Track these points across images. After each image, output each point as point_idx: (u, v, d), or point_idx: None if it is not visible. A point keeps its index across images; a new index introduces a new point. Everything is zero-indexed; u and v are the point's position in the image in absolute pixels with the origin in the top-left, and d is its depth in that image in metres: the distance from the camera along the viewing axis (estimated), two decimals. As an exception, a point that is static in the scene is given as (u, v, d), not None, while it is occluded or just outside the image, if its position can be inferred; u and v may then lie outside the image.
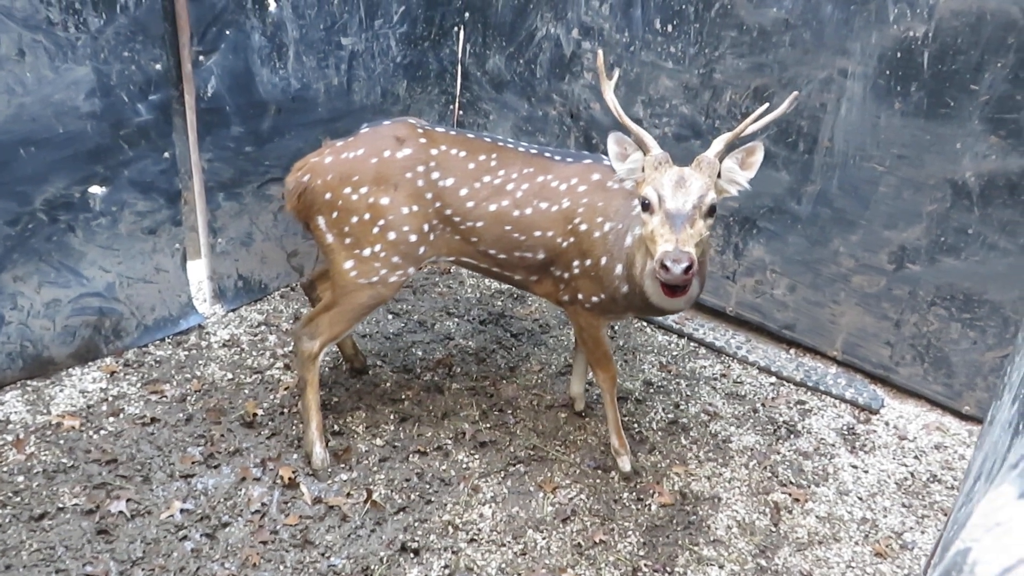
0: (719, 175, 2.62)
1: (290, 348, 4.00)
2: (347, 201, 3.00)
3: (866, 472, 3.61)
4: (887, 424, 3.91)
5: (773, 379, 4.18)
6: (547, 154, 3.17)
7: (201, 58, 3.64)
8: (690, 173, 2.56)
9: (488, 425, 3.65)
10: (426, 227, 3.09)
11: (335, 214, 3.03)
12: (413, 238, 3.07)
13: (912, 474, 3.61)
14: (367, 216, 3.01)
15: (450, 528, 3.12)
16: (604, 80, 2.90)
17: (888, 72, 3.58)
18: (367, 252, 3.04)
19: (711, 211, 2.54)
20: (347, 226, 3.02)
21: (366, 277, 3.08)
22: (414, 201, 3.04)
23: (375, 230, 3.02)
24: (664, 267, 2.40)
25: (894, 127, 3.65)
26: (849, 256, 3.98)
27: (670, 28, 4.13)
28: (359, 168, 3.02)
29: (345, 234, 3.04)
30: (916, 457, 3.71)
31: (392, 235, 3.03)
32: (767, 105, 2.81)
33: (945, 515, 3.38)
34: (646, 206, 2.57)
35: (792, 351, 4.37)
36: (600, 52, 3.02)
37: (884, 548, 3.21)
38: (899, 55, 3.53)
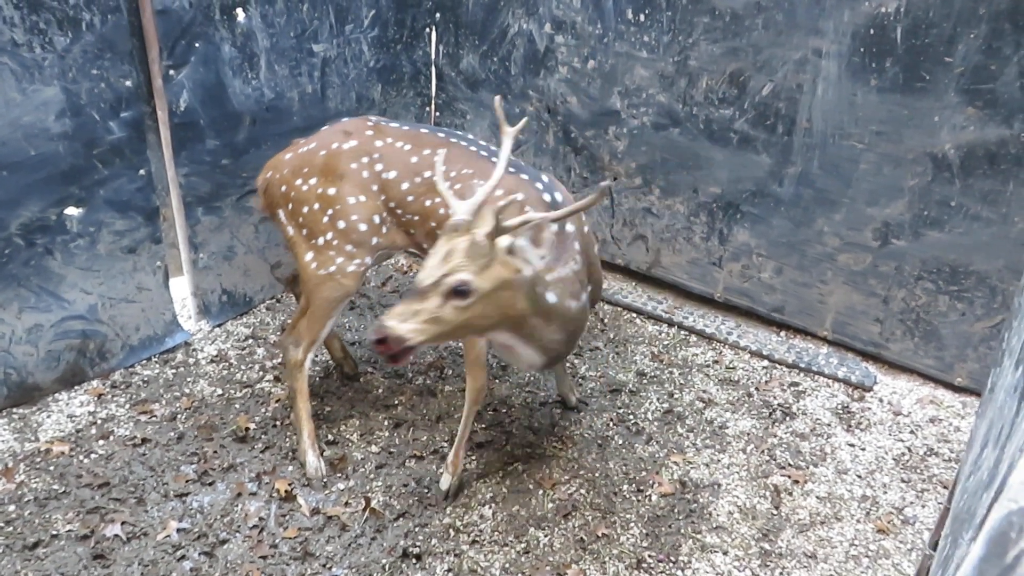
0: (512, 252, 2.45)
1: (279, 360, 3.96)
2: (299, 192, 3.14)
3: (863, 450, 3.61)
4: (881, 400, 3.92)
5: (765, 363, 4.18)
6: (483, 153, 3.07)
7: (171, 72, 3.59)
8: (457, 249, 2.38)
9: (483, 425, 3.62)
10: (377, 218, 3.14)
11: (290, 205, 3.17)
12: (363, 227, 3.13)
13: (909, 449, 3.62)
14: (316, 206, 3.11)
15: (451, 531, 3.10)
16: (504, 126, 2.71)
17: (862, 49, 3.59)
18: (321, 241, 3.13)
19: (459, 293, 2.36)
20: (301, 216, 3.14)
21: (324, 267, 3.15)
22: (360, 191, 3.11)
23: (325, 219, 3.11)
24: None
25: (871, 104, 3.65)
26: (834, 235, 3.98)
27: (642, 17, 4.12)
28: (309, 160, 3.16)
29: (300, 224, 3.16)
30: (912, 432, 3.72)
31: (342, 223, 3.11)
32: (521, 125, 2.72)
33: (945, 488, 3.38)
34: None
35: (783, 333, 4.37)
36: (498, 99, 2.81)
37: (886, 524, 3.21)
38: (872, 32, 3.54)
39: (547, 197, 2.91)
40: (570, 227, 2.86)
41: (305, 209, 3.12)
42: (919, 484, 3.43)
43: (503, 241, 2.44)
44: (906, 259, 3.83)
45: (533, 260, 2.50)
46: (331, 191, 3.10)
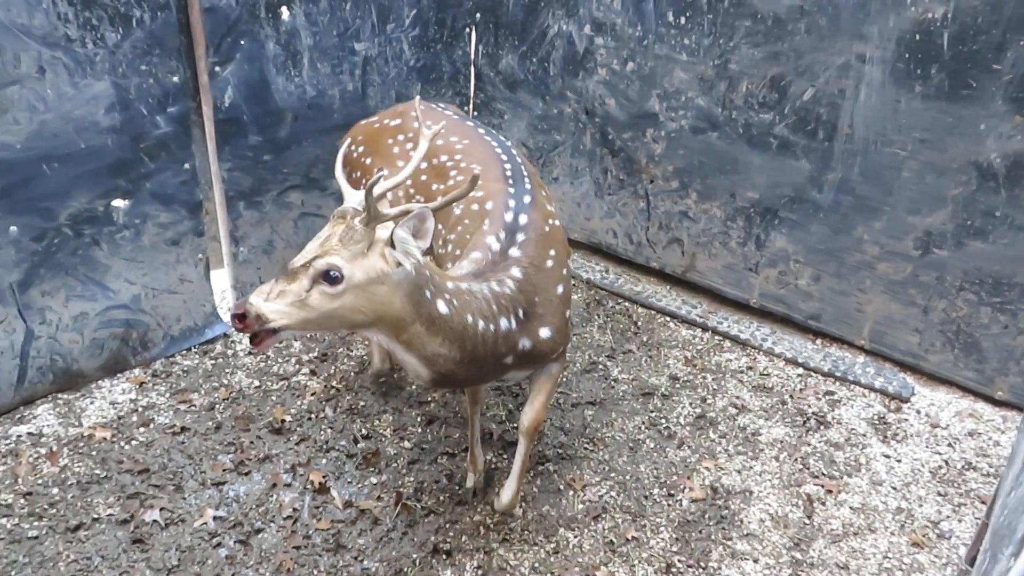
0: (392, 245, 2.25)
1: (315, 353, 4.01)
2: (349, 157, 3.24)
3: (899, 461, 3.56)
4: (918, 412, 3.86)
5: (800, 370, 4.14)
6: (507, 167, 2.96)
7: (217, 69, 3.66)
8: (335, 233, 2.24)
9: (514, 425, 3.64)
10: (401, 194, 3.13)
11: (347, 168, 3.18)
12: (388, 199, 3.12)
13: (946, 462, 3.56)
14: (357, 173, 3.22)
15: (481, 528, 3.12)
16: (423, 128, 2.63)
17: (907, 55, 3.54)
18: None
19: (330, 278, 2.17)
20: (351, 180, 3.15)
21: None
22: (387, 167, 3.10)
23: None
24: None
25: (915, 111, 3.60)
26: (873, 243, 3.93)
27: (683, 20, 4.11)
28: (363, 131, 3.33)
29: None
30: (950, 445, 3.66)
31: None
32: (384, 171, 2.39)
33: (983, 502, 3.33)
34: None
35: (819, 341, 4.33)
36: (417, 99, 2.97)
37: (921, 538, 3.17)
38: (918, 37, 3.49)
39: (508, 215, 2.76)
40: (515, 252, 2.68)
41: (354, 175, 3.22)
42: (956, 498, 3.37)
43: (383, 232, 2.26)
44: (948, 269, 3.77)
45: (413, 251, 2.27)
46: (367, 161, 3.24)
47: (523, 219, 2.76)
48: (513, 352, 2.63)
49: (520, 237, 2.72)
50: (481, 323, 2.49)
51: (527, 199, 2.83)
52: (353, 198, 2.34)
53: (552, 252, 2.75)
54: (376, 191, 2.20)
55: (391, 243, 2.24)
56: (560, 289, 2.74)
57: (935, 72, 3.50)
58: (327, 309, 2.21)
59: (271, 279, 2.23)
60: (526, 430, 2.98)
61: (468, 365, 2.51)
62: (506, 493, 3.12)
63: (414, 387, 3.84)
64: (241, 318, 2.14)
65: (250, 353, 2.10)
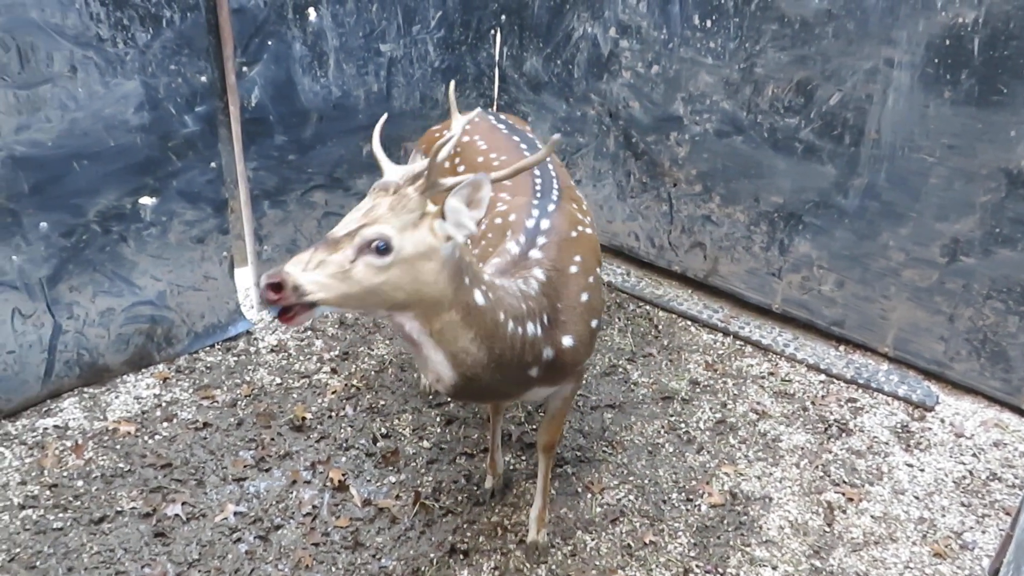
0: (444, 216, 2.12)
1: (336, 352, 4.04)
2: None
3: (922, 471, 3.52)
4: (943, 421, 3.81)
5: (823, 377, 4.10)
6: (537, 181, 2.90)
7: (245, 69, 3.70)
8: (380, 204, 2.08)
9: (533, 427, 3.64)
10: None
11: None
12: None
13: (971, 472, 3.52)
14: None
15: (499, 529, 3.12)
16: (455, 113, 2.55)
17: (936, 60, 3.50)
18: None
19: (377, 248, 1.99)
20: None
21: None
22: (449, 173, 3.09)
23: None
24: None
25: (944, 116, 3.56)
26: (899, 250, 3.89)
27: (709, 23, 4.09)
28: (428, 139, 3.37)
29: None
30: (974, 455, 3.61)
31: None
32: (464, 124, 2.38)
33: (1007, 514, 3.28)
34: None
35: (841, 348, 4.29)
36: (452, 84, 2.80)
37: (943, 548, 3.13)
38: (948, 42, 3.45)
39: (530, 222, 2.70)
40: (537, 253, 2.59)
41: None
42: (980, 509, 3.33)
43: (451, 202, 2.11)
44: (975, 277, 3.72)
45: (466, 222, 2.11)
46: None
47: (545, 224, 2.70)
48: (538, 363, 2.47)
49: (541, 240, 2.65)
50: (511, 324, 2.34)
51: (551, 207, 2.77)
52: (394, 173, 2.19)
53: (577, 258, 2.64)
54: (441, 156, 2.07)
55: (441, 215, 2.10)
56: (585, 297, 2.60)
57: (965, 77, 3.46)
58: (371, 284, 2.02)
59: (308, 248, 2.02)
60: (543, 447, 2.98)
61: (493, 371, 2.33)
62: (533, 522, 3.06)
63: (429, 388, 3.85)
64: (276, 288, 1.92)
65: (283, 324, 1.92)
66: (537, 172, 2.97)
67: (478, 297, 2.24)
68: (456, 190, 2.08)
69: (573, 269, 2.61)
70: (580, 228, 2.77)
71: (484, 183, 2.08)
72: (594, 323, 2.65)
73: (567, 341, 2.53)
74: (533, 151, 3.09)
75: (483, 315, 2.25)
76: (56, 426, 3.42)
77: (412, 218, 2.06)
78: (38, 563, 2.82)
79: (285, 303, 1.95)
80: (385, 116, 2.56)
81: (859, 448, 3.63)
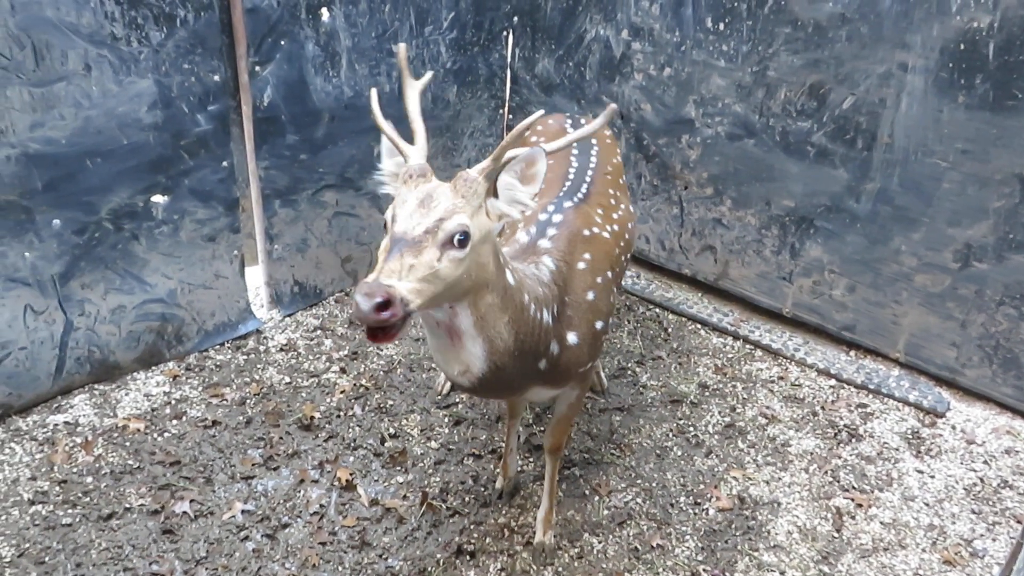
0: (496, 195, 2.09)
1: (345, 351, 4.05)
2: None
3: (932, 477, 3.50)
4: (954, 428, 3.79)
5: (833, 382, 4.08)
6: (568, 182, 2.93)
7: (257, 68, 3.72)
8: (441, 192, 1.99)
9: (542, 428, 3.64)
10: None
11: None
12: None
13: (981, 479, 3.49)
14: None
15: (506, 531, 3.12)
16: (407, 77, 2.39)
17: (951, 65, 3.48)
18: None
19: (458, 241, 1.93)
20: None
21: None
22: None
23: None
24: (355, 302, 1.79)
25: (958, 121, 3.54)
26: (911, 255, 3.87)
27: (722, 26, 4.08)
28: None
29: None
30: (986, 462, 3.59)
31: None
32: (541, 112, 2.18)
33: (1018, 522, 3.25)
34: (386, 227, 2.01)
35: (852, 353, 4.26)
36: (402, 47, 2.43)
37: (953, 555, 3.10)
38: (963, 47, 3.43)
39: (543, 215, 2.69)
40: (545, 243, 2.58)
41: None
42: (990, 516, 3.30)
43: (505, 178, 2.08)
44: (988, 283, 3.70)
45: (522, 199, 2.07)
46: None
47: (557, 217, 2.69)
48: (546, 355, 2.44)
49: (551, 231, 2.63)
50: (533, 307, 2.30)
51: (568, 204, 2.78)
52: (417, 155, 2.13)
53: (587, 256, 2.62)
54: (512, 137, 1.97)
55: (494, 192, 2.05)
56: (591, 296, 2.57)
57: (979, 82, 3.44)
58: (454, 278, 1.95)
59: (386, 258, 1.88)
60: (549, 450, 3.00)
61: (515, 358, 2.28)
62: (540, 524, 3.07)
63: (442, 387, 3.86)
64: (385, 306, 1.78)
65: (379, 344, 1.81)
66: (571, 172, 3.00)
67: (510, 277, 2.21)
68: (509, 166, 2.04)
69: (581, 265, 2.60)
70: (595, 230, 2.75)
71: (539, 157, 2.03)
72: (599, 324, 2.62)
73: (572, 338, 2.50)
74: (585, 159, 3.08)
75: (514, 296, 2.22)
76: (66, 422, 3.44)
77: (479, 203, 2.02)
78: (47, 558, 2.84)
79: (397, 318, 1.82)
80: (375, 90, 2.44)
81: (869, 454, 3.61)
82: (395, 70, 4.27)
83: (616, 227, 2.89)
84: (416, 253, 1.88)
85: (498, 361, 2.23)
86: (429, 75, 2.48)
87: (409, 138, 2.22)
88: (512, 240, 2.65)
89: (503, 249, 2.46)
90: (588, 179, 2.96)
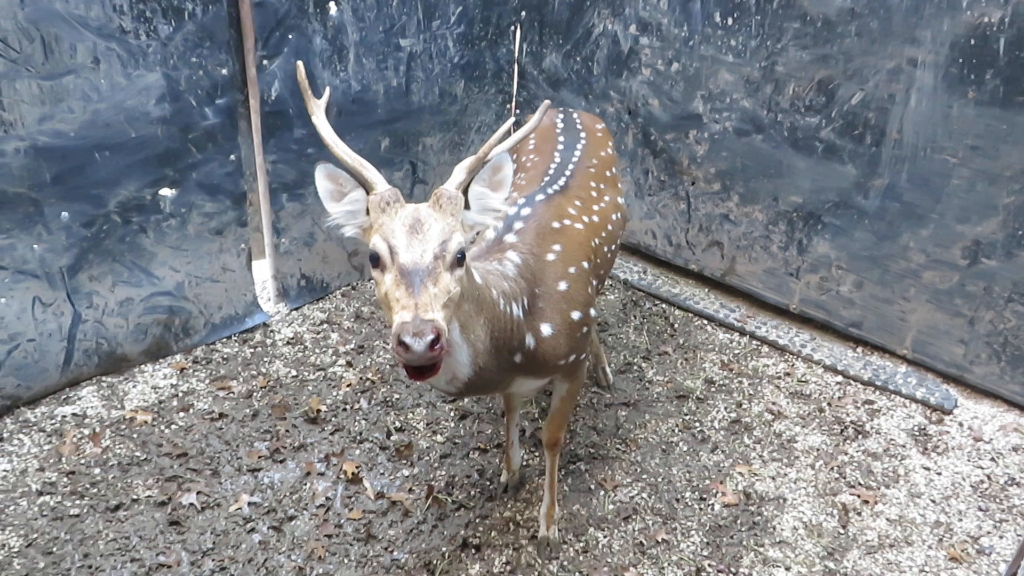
0: (468, 207, 2.09)
1: (351, 345, 4.06)
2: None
3: (939, 474, 3.49)
4: (961, 425, 3.77)
5: (839, 378, 4.07)
6: (547, 176, 2.94)
7: (265, 62, 3.72)
8: (427, 214, 1.98)
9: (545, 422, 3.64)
10: None
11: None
12: None
13: (989, 476, 3.48)
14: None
15: (511, 525, 3.12)
16: (310, 99, 2.36)
17: (961, 60, 3.46)
18: None
19: (459, 261, 1.96)
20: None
21: None
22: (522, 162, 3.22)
23: None
24: (402, 344, 1.78)
25: (967, 117, 3.52)
26: (919, 251, 3.85)
27: (730, 21, 4.07)
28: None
29: None
30: (993, 459, 3.57)
31: None
32: (512, 121, 2.29)
33: (1025, 519, 3.24)
34: (376, 260, 1.97)
35: (859, 349, 4.25)
36: (300, 64, 2.42)
37: (959, 552, 3.10)
38: (973, 42, 3.41)
39: (512, 209, 2.66)
40: (511, 238, 2.57)
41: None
42: (997, 514, 3.29)
43: (475, 188, 2.09)
44: (996, 279, 3.68)
45: (495, 205, 2.07)
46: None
47: (525, 211, 2.67)
48: (521, 349, 2.42)
49: (518, 225, 2.62)
50: (502, 302, 2.30)
51: (539, 197, 2.76)
52: (381, 179, 2.11)
53: (557, 247, 2.60)
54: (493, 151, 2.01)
55: (466, 204, 2.06)
56: (563, 286, 2.54)
57: (990, 78, 3.42)
58: (459, 296, 2.00)
59: (409, 290, 1.85)
60: (547, 445, 3.01)
61: (493, 356, 2.29)
62: (543, 518, 3.07)
63: (448, 382, 3.86)
64: (436, 342, 1.79)
65: (421, 381, 1.80)
66: (552, 166, 3.00)
67: (477, 277, 2.21)
68: (477, 176, 2.04)
69: (551, 256, 2.58)
70: (567, 222, 2.73)
71: (504, 162, 2.03)
72: (575, 315, 2.57)
73: (546, 329, 2.47)
74: (569, 153, 3.10)
75: (484, 296, 2.22)
76: (74, 414, 3.46)
77: (461, 217, 2.03)
78: (55, 549, 2.85)
79: (447, 350, 1.86)
80: (300, 63, 2.40)
81: (875, 450, 3.60)
82: (402, 64, 4.27)
83: (596, 218, 2.89)
84: (435, 281, 1.89)
85: (480, 363, 2.25)
86: (327, 93, 2.43)
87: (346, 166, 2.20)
88: (480, 237, 2.62)
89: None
90: (568, 172, 2.98)
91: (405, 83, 4.34)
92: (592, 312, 2.70)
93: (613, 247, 3.04)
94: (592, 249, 2.79)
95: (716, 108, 4.28)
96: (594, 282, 2.78)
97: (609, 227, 2.98)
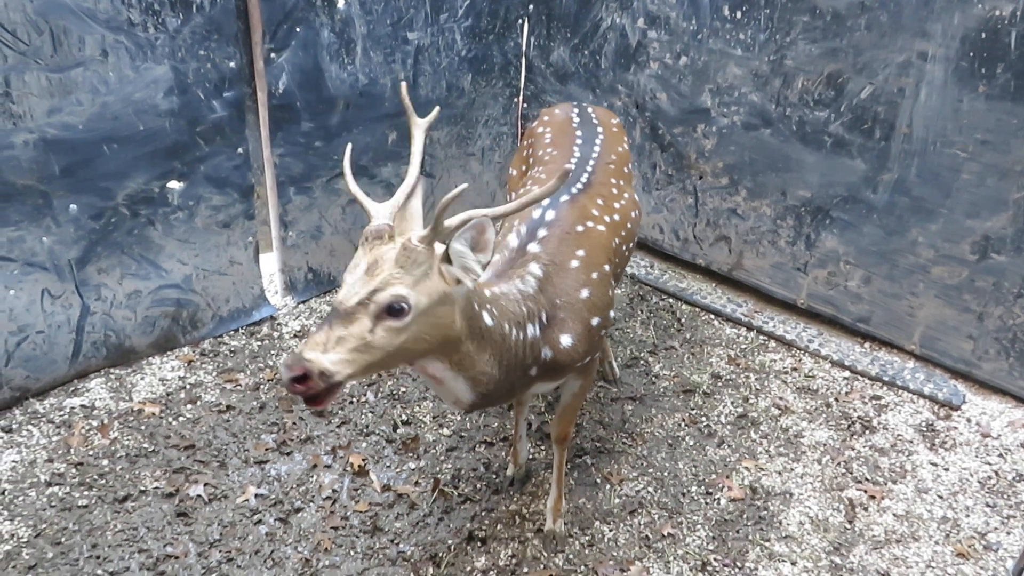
0: (448, 260, 2.04)
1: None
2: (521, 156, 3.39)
3: (946, 470, 3.47)
4: (969, 421, 3.76)
5: (847, 373, 4.06)
6: (571, 167, 2.93)
7: (273, 55, 3.72)
8: (387, 259, 1.96)
9: (553, 417, 3.64)
10: (519, 184, 3.22)
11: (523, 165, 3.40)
12: (512, 196, 3.23)
13: (996, 473, 3.46)
14: (524, 167, 3.30)
15: (517, 518, 3.13)
16: (412, 116, 2.42)
17: (972, 54, 3.44)
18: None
19: (393, 311, 1.92)
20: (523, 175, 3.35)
21: None
22: (522, 162, 3.27)
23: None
24: (281, 372, 1.88)
25: (978, 111, 3.50)
26: (928, 246, 3.83)
27: (739, 14, 4.05)
28: (528, 134, 3.41)
29: None
30: (1001, 455, 3.56)
31: (510, 188, 3.40)
32: (464, 185, 2.07)
33: (1033, 516, 3.23)
34: None
35: (867, 345, 4.24)
36: (404, 84, 2.52)
37: (966, 548, 3.09)
38: (984, 36, 3.38)
39: (536, 211, 2.63)
40: (535, 247, 2.53)
41: (521, 168, 3.33)
42: (1005, 510, 3.28)
43: (438, 247, 2.04)
44: (1006, 275, 3.66)
45: (474, 268, 2.04)
46: (514, 156, 3.46)
47: (550, 215, 2.63)
48: (537, 363, 2.43)
49: (542, 233, 2.58)
50: (514, 331, 2.31)
51: (564, 197, 2.72)
52: (381, 214, 2.09)
53: (580, 253, 2.57)
54: (445, 204, 1.94)
55: (446, 258, 2.04)
56: (585, 293, 2.52)
57: (1001, 72, 3.40)
58: (395, 346, 1.96)
59: (319, 327, 1.91)
60: (555, 439, 3.02)
61: (501, 381, 2.31)
62: (549, 512, 3.08)
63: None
64: (302, 380, 1.84)
65: (310, 409, 1.80)
66: (573, 159, 2.99)
67: (487, 319, 2.22)
68: (459, 234, 2.00)
69: (574, 264, 2.55)
70: (590, 223, 2.70)
71: (487, 226, 2.00)
72: (595, 321, 2.56)
73: (565, 340, 2.47)
74: (588, 148, 3.06)
75: (492, 333, 2.23)
76: (83, 405, 3.48)
77: (423, 270, 1.98)
78: (63, 539, 2.87)
79: (314, 391, 1.87)
80: (350, 146, 2.48)
81: (882, 446, 3.59)
82: (409, 58, 4.27)
83: (617, 217, 2.86)
84: (347, 324, 1.89)
85: (484, 390, 2.28)
86: (435, 112, 2.49)
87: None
88: (502, 245, 2.59)
89: (489, 266, 2.45)
90: (589, 169, 2.94)
91: (413, 76, 4.34)
92: (611, 314, 2.69)
93: (631, 245, 3.03)
94: (613, 250, 2.78)
95: (724, 102, 4.26)
96: (613, 283, 2.77)
97: (628, 225, 2.95)
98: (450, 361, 2.16)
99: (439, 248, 2.04)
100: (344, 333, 1.89)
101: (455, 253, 2.03)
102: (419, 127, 2.40)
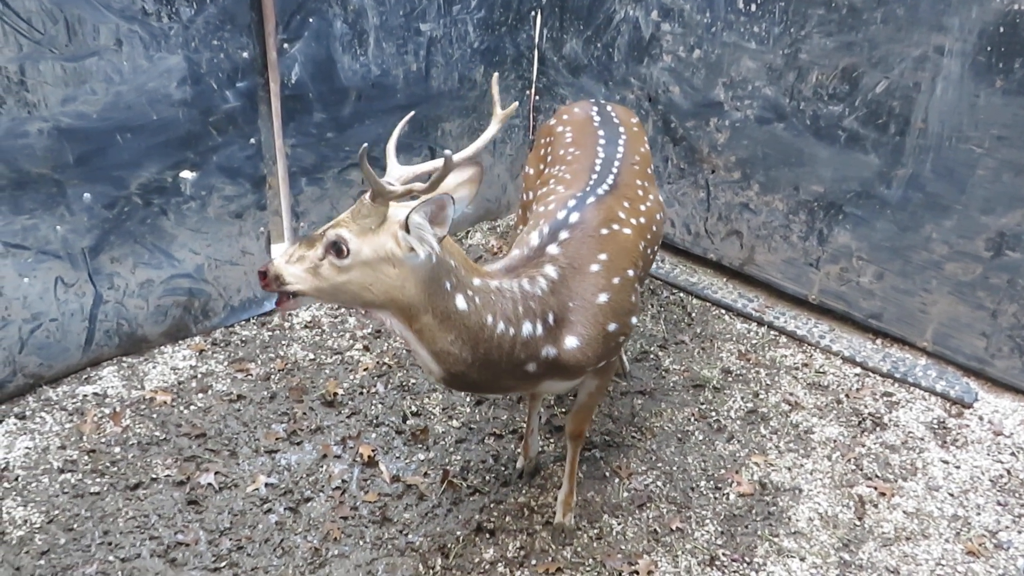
0: (407, 228, 2.16)
1: (368, 329, 4.07)
2: (538, 155, 3.39)
3: (957, 468, 3.46)
4: (981, 419, 3.74)
5: (858, 370, 4.04)
6: (594, 174, 2.88)
7: (285, 46, 3.73)
8: (362, 209, 2.21)
9: (563, 410, 3.64)
10: (530, 195, 3.22)
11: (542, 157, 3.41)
12: (529, 195, 3.24)
13: (1008, 471, 3.44)
14: (543, 165, 3.29)
15: (525, 510, 3.13)
16: (496, 105, 2.57)
17: (989, 48, 3.40)
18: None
19: (336, 248, 2.16)
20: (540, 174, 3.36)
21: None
22: (539, 161, 3.27)
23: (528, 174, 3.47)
24: None
25: (995, 106, 3.46)
26: (942, 243, 3.81)
27: (754, 7, 4.02)
28: (543, 132, 3.42)
29: None
30: (1013, 454, 3.54)
31: (524, 188, 3.42)
32: (515, 105, 2.44)
33: (1045, 514, 3.21)
34: None
35: (879, 341, 4.22)
36: (495, 76, 2.70)
37: (977, 546, 3.07)
38: (1002, 30, 3.35)
39: (561, 212, 2.66)
40: (554, 249, 2.54)
41: (540, 166, 3.33)
42: (1016, 508, 3.26)
43: (399, 213, 2.20)
44: (1020, 272, 3.63)
45: (428, 239, 2.16)
46: (531, 154, 3.46)
47: (574, 217, 2.63)
48: (535, 360, 2.45)
49: (564, 235, 2.57)
50: (501, 325, 2.36)
51: (590, 199, 2.70)
52: (390, 175, 2.36)
53: (602, 256, 2.56)
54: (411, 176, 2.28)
55: (406, 227, 2.16)
56: (604, 298, 2.52)
57: (1018, 66, 3.36)
58: (337, 281, 2.20)
59: (295, 242, 2.22)
60: (570, 435, 3.02)
61: (480, 369, 2.37)
62: (560, 506, 3.08)
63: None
64: (263, 276, 2.22)
65: (272, 312, 2.10)
66: (598, 163, 2.94)
67: (459, 302, 2.29)
68: (419, 206, 2.12)
69: (594, 267, 2.55)
70: (615, 226, 2.68)
71: (447, 204, 2.14)
72: (612, 326, 2.54)
73: (571, 342, 2.48)
74: (612, 148, 3.03)
75: (465, 319, 2.31)
76: (95, 393, 3.50)
77: (368, 223, 2.18)
78: (75, 525, 2.90)
79: (271, 290, 2.23)
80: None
81: (893, 443, 3.57)
82: (422, 49, 4.26)
83: (643, 219, 2.83)
84: (308, 247, 2.21)
85: (453, 369, 2.38)
86: (514, 106, 2.60)
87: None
88: (523, 242, 2.61)
89: (502, 260, 2.57)
90: (615, 170, 2.90)
91: (425, 68, 4.33)
92: (633, 320, 2.67)
93: (655, 248, 2.99)
94: (639, 254, 2.75)
95: (738, 96, 4.24)
96: (638, 287, 2.75)
97: (654, 228, 2.92)
98: (411, 327, 2.31)
99: (398, 213, 2.21)
100: (303, 253, 2.21)
101: (413, 224, 2.15)
102: (498, 118, 2.53)
